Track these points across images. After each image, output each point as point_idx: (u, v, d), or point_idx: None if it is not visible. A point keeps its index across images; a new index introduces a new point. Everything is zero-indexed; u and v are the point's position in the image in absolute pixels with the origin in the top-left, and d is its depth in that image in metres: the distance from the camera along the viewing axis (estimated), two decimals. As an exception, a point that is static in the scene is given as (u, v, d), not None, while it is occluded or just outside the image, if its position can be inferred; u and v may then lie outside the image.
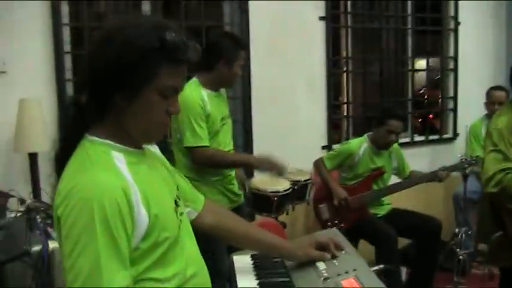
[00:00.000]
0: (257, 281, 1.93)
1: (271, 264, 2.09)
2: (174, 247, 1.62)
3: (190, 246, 1.74)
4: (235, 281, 1.97)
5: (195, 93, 3.50)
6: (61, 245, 1.48)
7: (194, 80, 3.59)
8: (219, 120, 3.58)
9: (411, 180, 4.72)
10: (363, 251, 4.40)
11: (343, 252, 1.96)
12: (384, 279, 4.07)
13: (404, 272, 4.82)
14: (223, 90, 3.79)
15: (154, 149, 1.83)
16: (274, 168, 3.50)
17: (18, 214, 3.33)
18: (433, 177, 4.57)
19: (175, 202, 1.70)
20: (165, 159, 1.87)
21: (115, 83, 1.52)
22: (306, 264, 1.95)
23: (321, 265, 1.89)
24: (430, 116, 6.61)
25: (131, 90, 1.53)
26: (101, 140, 1.58)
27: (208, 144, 3.50)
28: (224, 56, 3.54)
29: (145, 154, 1.69)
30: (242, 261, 2.13)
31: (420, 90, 6.79)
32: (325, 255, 1.94)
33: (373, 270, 1.87)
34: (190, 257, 1.70)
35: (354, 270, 1.81)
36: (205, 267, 1.79)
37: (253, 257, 2.16)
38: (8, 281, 3.13)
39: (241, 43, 3.67)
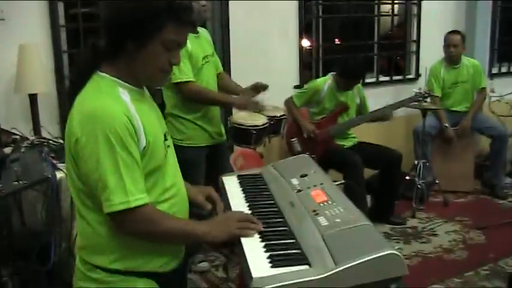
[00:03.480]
0: (243, 195, 2.39)
1: (252, 180, 2.56)
2: (157, 173, 1.90)
3: (173, 173, 2.02)
4: (227, 198, 2.39)
5: None
6: (79, 161, 1.78)
7: None
8: (200, 58, 3.92)
9: (373, 113, 5.23)
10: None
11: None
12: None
13: (369, 199, 5.33)
14: (204, 31, 4.14)
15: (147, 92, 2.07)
16: (252, 107, 3.94)
17: (23, 149, 3.73)
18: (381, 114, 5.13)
19: (165, 136, 1.99)
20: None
21: (129, 32, 1.80)
22: (281, 181, 2.42)
23: (295, 181, 2.35)
24: (398, 58, 7.01)
25: (141, 40, 1.81)
26: (110, 77, 1.87)
27: (193, 79, 3.85)
28: None
29: (144, 94, 1.99)
30: (230, 181, 2.59)
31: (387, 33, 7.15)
32: (206, 206, 2.21)
33: (336, 184, 2.34)
34: (169, 183, 1.97)
35: (321, 184, 2.26)
36: (186, 194, 2.09)
37: (238, 177, 2.63)
38: (24, 207, 3.54)
39: None
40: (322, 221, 1.93)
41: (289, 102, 5.08)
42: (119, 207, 1.74)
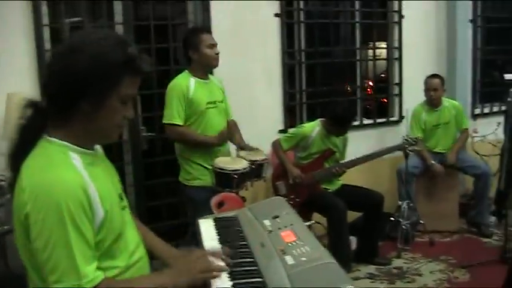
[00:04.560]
0: (218, 237, 2.47)
1: (228, 223, 2.64)
2: (119, 240, 1.82)
3: (133, 237, 1.94)
4: (201, 241, 2.47)
5: (180, 80, 4.19)
6: (30, 236, 1.65)
7: (185, 71, 4.25)
8: (204, 103, 4.20)
9: (361, 157, 5.30)
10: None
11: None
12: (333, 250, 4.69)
13: (354, 241, 5.40)
14: (216, 79, 4.47)
15: (99, 148, 1.98)
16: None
17: (9, 195, 3.81)
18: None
19: (120, 196, 1.92)
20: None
21: (83, 92, 1.68)
22: (255, 222, 2.50)
23: (267, 222, 2.43)
24: (385, 100, 7.13)
25: (97, 98, 1.70)
26: (59, 141, 1.74)
27: (179, 123, 4.13)
28: (190, 45, 4.18)
29: (97, 154, 1.89)
30: (206, 223, 2.67)
31: (370, 77, 7.29)
32: None
33: (306, 225, 2.42)
34: (133, 246, 1.91)
35: (291, 225, 2.35)
36: (145, 253, 2.01)
37: (215, 219, 2.71)
38: (8, 251, 3.61)
39: (199, 29, 4.31)
40: (289, 259, 2.01)
41: (276, 145, 5.19)
42: None
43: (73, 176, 1.68)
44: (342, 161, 5.33)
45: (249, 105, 5.33)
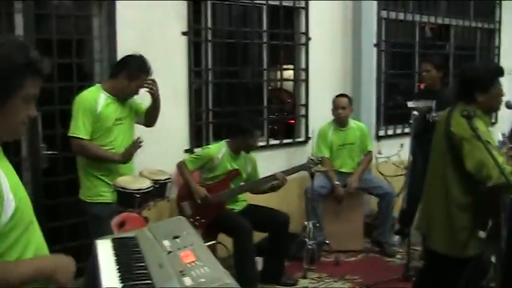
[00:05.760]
0: (115, 258, 2.37)
1: (126, 244, 2.54)
2: (30, 229, 1.90)
3: (39, 234, 2.02)
4: (98, 262, 2.37)
5: (89, 93, 4.13)
6: None
7: (96, 85, 4.23)
8: (112, 119, 4.15)
9: (259, 181, 5.34)
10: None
11: None
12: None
13: (260, 262, 5.36)
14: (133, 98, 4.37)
15: None
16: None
17: None
18: (271, 180, 5.22)
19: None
20: None
21: None
22: (154, 243, 2.41)
23: (167, 242, 2.35)
24: (292, 121, 7.18)
25: (3, 98, 1.80)
26: None
27: (83, 137, 4.05)
28: (127, 70, 4.14)
29: (1, 151, 1.93)
30: (103, 244, 2.56)
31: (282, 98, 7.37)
32: None
33: (207, 245, 2.36)
34: (40, 241, 2.00)
35: (191, 245, 2.28)
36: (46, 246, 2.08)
37: (113, 240, 2.60)
38: None
39: (147, 67, 4.23)
40: (188, 281, 1.95)
41: (181, 166, 5.10)
42: None
43: None
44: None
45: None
